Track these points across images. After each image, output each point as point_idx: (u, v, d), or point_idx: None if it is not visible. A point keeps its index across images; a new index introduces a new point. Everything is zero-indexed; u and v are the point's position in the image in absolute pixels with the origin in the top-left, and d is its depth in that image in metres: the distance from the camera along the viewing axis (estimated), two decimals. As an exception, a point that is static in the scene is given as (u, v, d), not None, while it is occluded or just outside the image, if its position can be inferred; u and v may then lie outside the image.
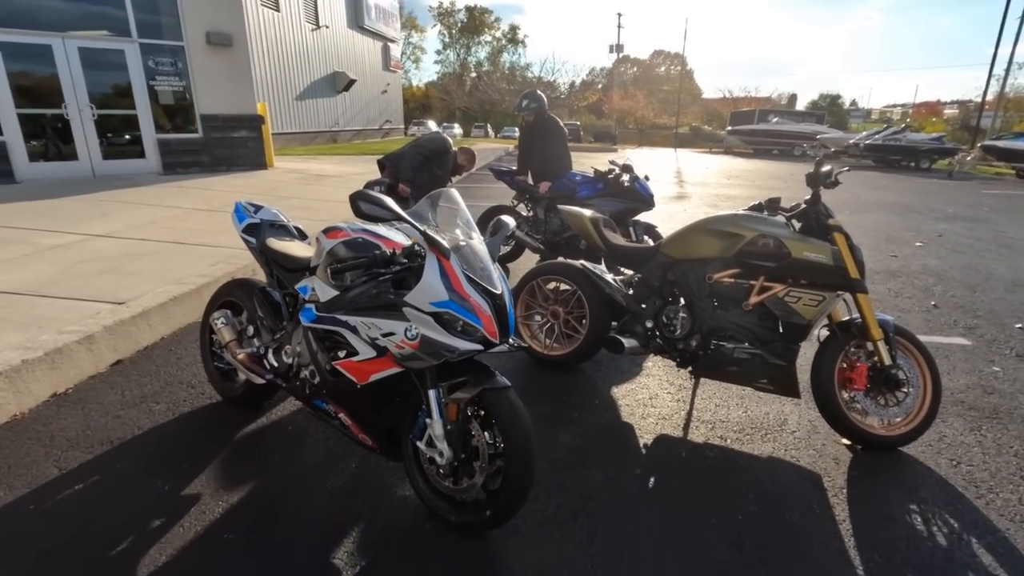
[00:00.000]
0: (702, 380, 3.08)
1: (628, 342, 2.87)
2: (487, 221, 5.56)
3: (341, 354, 1.96)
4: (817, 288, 2.42)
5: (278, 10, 19.20)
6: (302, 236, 2.67)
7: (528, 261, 5.59)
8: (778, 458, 2.41)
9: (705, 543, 1.90)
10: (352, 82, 24.63)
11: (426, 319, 1.71)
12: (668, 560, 1.83)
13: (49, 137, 8.90)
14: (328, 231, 2.11)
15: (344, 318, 1.90)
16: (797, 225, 2.57)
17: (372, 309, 1.83)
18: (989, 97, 25.76)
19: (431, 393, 1.84)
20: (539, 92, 5.31)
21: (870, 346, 2.45)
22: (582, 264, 3.10)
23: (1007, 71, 19.95)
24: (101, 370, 3.08)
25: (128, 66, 9.25)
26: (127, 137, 9.56)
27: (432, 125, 41.50)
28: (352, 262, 1.83)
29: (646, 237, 4.85)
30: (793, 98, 62.23)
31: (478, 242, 1.88)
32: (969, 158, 19.77)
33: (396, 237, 2.06)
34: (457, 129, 44.34)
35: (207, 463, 2.28)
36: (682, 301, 2.80)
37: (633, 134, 46.29)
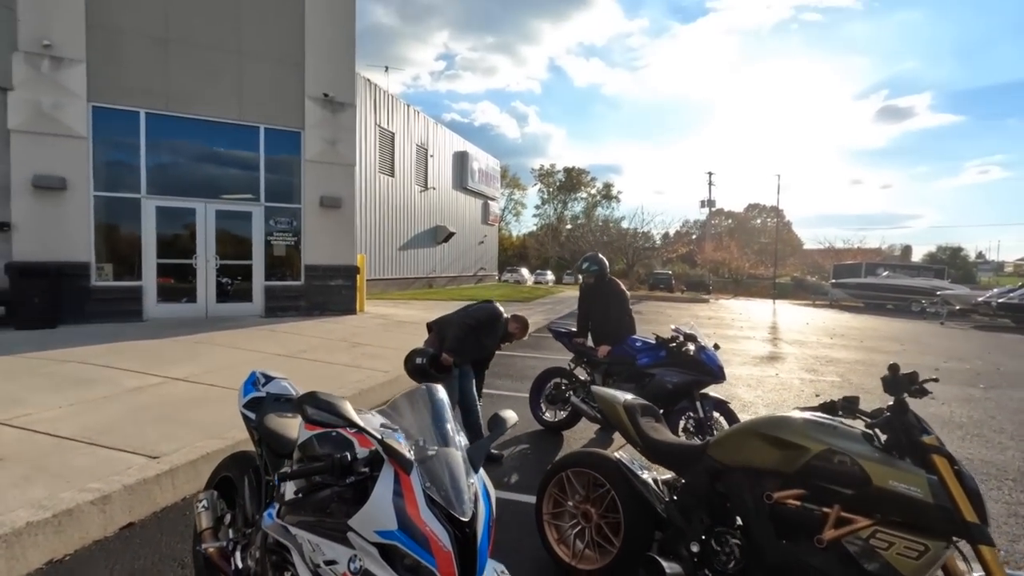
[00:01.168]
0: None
1: (670, 567, 2.29)
2: (544, 382, 5.27)
3: (286, 575, 1.66)
4: (916, 532, 1.81)
5: (393, 176, 22.04)
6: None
7: (586, 431, 5.11)
8: None
9: None
10: (451, 235, 26.91)
11: (370, 550, 1.41)
12: None
13: (176, 282, 10.22)
14: (307, 422, 1.94)
15: (294, 531, 1.63)
16: (882, 437, 2.03)
17: (319, 527, 1.56)
18: None
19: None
20: (600, 256, 5.25)
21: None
22: (618, 458, 2.65)
23: None
24: (108, 534, 2.96)
25: (252, 224, 10.71)
26: (240, 283, 10.74)
27: (525, 272, 43.63)
28: (305, 467, 1.61)
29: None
30: (907, 250, 59.03)
31: (455, 452, 1.60)
32: None
33: (372, 436, 1.84)
34: (549, 275, 46.19)
35: None
36: (738, 521, 2.25)
37: (728, 283, 45.45)
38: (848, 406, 2.19)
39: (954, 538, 1.80)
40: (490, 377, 4.79)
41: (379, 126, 20.80)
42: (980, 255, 68.12)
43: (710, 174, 51.54)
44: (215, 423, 4.24)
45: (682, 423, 4.34)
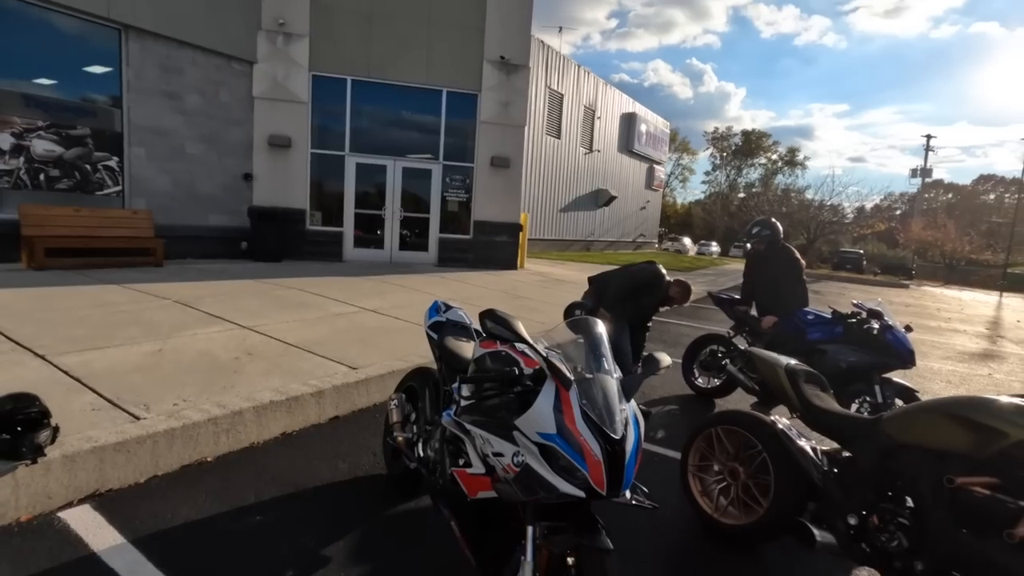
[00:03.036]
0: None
1: (822, 535, 2.23)
2: (700, 348, 5.16)
3: (460, 462, 1.99)
4: None
5: (559, 138, 22.26)
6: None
7: (741, 402, 4.93)
8: None
9: None
10: (613, 198, 26.53)
11: (532, 448, 1.64)
12: None
13: (367, 231, 11.72)
14: (483, 340, 2.24)
15: (468, 426, 1.94)
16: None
17: (490, 424, 1.84)
18: None
19: (528, 530, 1.71)
20: (774, 220, 4.89)
21: None
22: (774, 420, 2.59)
23: None
24: (322, 421, 3.71)
25: (431, 181, 11.76)
26: (418, 234, 11.96)
27: (687, 242, 41.43)
28: (480, 374, 1.89)
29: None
30: None
31: (609, 378, 1.76)
32: None
33: (533, 355, 2.07)
34: (715, 247, 43.28)
35: (350, 530, 2.49)
36: (909, 502, 2.09)
37: (938, 269, 38.24)
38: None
39: None
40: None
41: (548, 87, 21.04)
42: None
43: (928, 137, 43.26)
44: (398, 347, 4.93)
45: (855, 407, 3.97)
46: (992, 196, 60.34)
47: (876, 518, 2.11)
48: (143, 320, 5.04)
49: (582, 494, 1.58)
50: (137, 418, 2.98)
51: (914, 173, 44.95)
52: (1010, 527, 1.77)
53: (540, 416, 1.64)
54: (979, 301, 20.66)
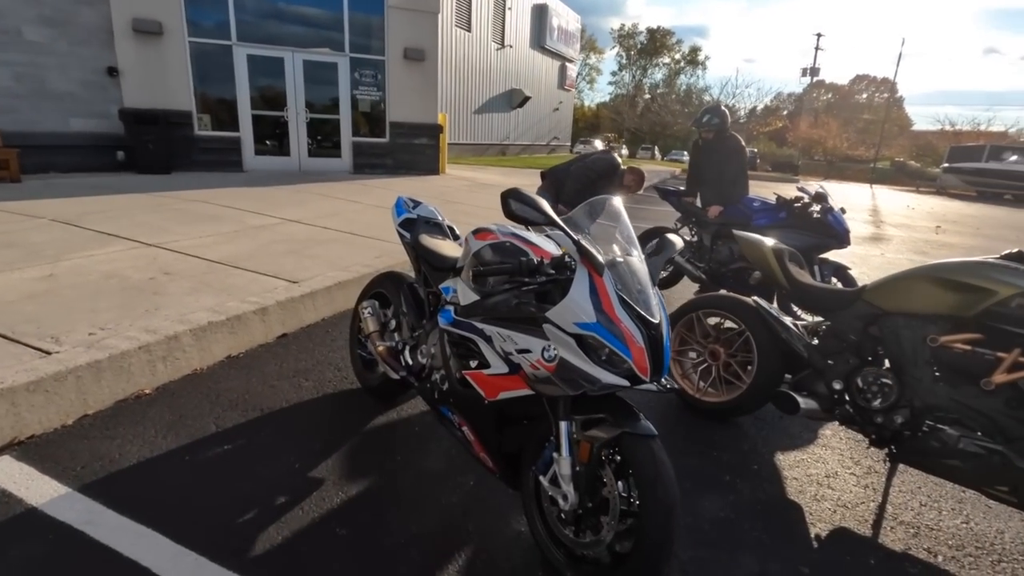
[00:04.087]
0: (901, 467, 2.43)
1: (805, 402, 2.36)
2: (646, 241, 5.20)
3: (472, 364, 1.83)
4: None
5: (469, 30, 20.71)
6: (454, 236, 2.63)
7: (686, 290, 5.11)
8: (1018, 602, 1.76)
9: None
10: (527, 99, 25.65)
11: (567, 341, 1.49)
12: None
13: (270, 136, 10.48)
14: (477, 232, 2.00)
15: (480, 326, 1.76)
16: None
17: (510, 321, 1.66)
18: None
19: (562, 425, 1.61)
20: (723, 108, 4.84)
21: None
22: (755, 301, 2.64)
23: None
24: (269, 340, 3.36)
25: (339, 77, 10.55)
26: (329, 139, 10.90)
27: (599, 144, 41.62)
28: (495, 267, 1.68)
29: (834, 280, 4.12)
30: None
31: (638, 260, 1.61)
32: None
33: (546, 246, 1.88)
34: (624, 150, 43.90)
35: (336, 448, 2.30)
36: (887, 363, 2.23)
37: (819, 166, 41.63)
38: (1038, 256, 2.03)
39: None
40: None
41: (456, -28, 19.19)
42: None
43: (818, 36, 45.12)
44: (336, 258, 4.53)
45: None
46: (865, 95, 65.09)
47: (860, 381, 2.24)
48: (18, 242, 4.22)
49: (626, 383, 1.48)
50: (47, 352, 2.49)
51: (804, 72, 47.18)
52: (987, 376, 1.92)
53: (576, 305, 1.48)
54: (855, 193, 22.85)
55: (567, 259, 1.66)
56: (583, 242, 1.53)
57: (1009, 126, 41.70)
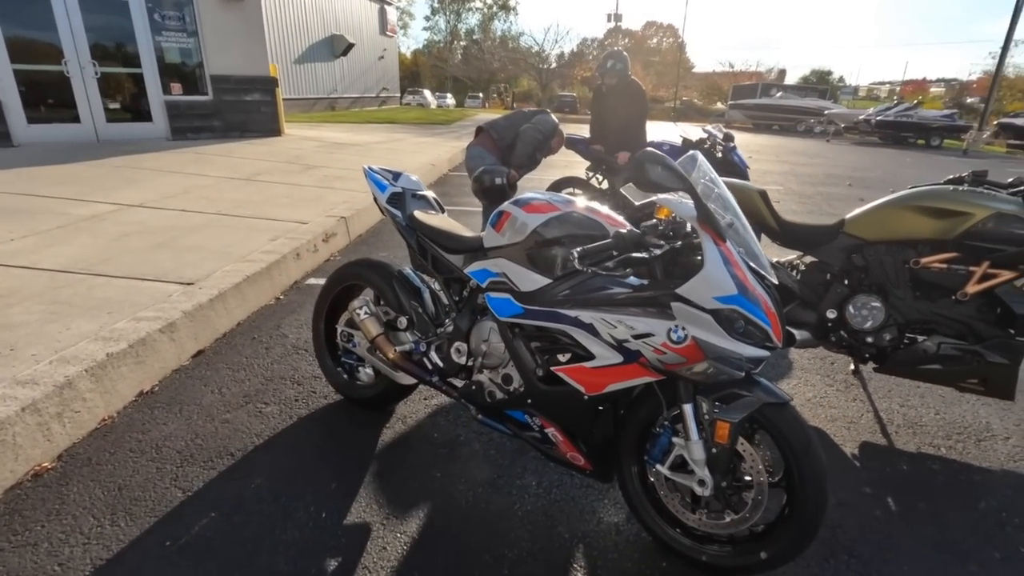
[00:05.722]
0: (867, 376, 2.76)
1: (800, 334, 2.52)
2: (558, 191, 5.13)
3: (562, 358, 1.58)
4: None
5: (275, -34, 18.10)
6: (440, 208, 2.25)
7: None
8: (1013, 471, 2.10)
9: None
10: (351, 46, 23.58)
11: (703, 318, 1.34)
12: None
13: (49, 98, 8.18)
14: (523, 204, 1.71)
15: (572, 313, 1.51)
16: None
17: (623, 305, 1.45)
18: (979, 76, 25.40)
19: (687, 408, 1.48)
20: (624, 52, 4.83)
21: None
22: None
23: (1004, 49, 19.40)
24: (184, 363, 2.65)
25: (132, 18, 8.47)
26: (132, 98, 8.85)
27: (427, 94, 40.22)
28: (595, 245, 1.43)
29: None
30: (782, 74, 60.80)
31: (742, 220, 1.50)
32: (984, 136, 19.58)
33: (612, 213, 1.69)
34: (450, 99, 43.09)
35: (359, 482, 1.90)
36: (873, 289, 2.46)
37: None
38: (978, 179, 2.35)
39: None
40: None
41: None
42: (841, 79, 72.51)
43: (620, -17, 47.96)
44: (224, 248, 3.73)
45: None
46: (655, 40, 71.60)
47: (851, 308, 2.44)
48: None
49: (767, 353, 1.39)
50: None
51: (609, 17, 50.23)
52: (962, 288, 2.21)
53: (716, 278, 1.33)
54: (663, 129, 25.42)
55: (662, 228, 1.50)
56: (709, 205, 1.37)
57: (767, 68, 49.50)
